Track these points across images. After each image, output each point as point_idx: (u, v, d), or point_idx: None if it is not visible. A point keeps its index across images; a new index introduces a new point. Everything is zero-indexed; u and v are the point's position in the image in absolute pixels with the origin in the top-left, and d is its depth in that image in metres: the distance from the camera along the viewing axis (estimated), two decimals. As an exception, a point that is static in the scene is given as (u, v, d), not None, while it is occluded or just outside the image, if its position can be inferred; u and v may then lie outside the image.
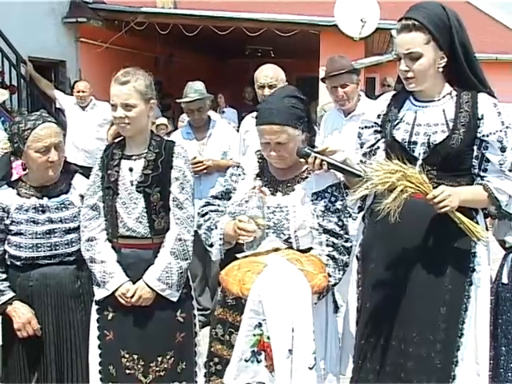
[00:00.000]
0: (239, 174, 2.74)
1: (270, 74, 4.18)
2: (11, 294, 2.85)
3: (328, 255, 2.53)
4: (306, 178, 2.63)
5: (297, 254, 2.50)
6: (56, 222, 2.89)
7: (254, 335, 2.35)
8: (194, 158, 4.51)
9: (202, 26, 10.68)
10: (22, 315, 2.82)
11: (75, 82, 8.34)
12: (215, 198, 2.78)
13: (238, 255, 2.54)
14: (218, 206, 2.74)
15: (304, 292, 2.35)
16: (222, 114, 5.89)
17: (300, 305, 2.33)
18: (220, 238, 2.62)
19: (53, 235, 2.88)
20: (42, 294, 2.88)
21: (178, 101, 5.04)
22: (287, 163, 2.63)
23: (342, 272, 2.56)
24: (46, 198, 2.93)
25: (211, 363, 2.69)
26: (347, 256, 2.58)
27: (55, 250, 2.88)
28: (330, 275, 2.51)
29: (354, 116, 4.12)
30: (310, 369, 2.30)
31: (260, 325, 2.35)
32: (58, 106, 7.97)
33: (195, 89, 4.73)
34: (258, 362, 2.36)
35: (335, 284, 2.56)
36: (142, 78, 2.83)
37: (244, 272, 2.44)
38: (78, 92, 7.42)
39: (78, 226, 2.91)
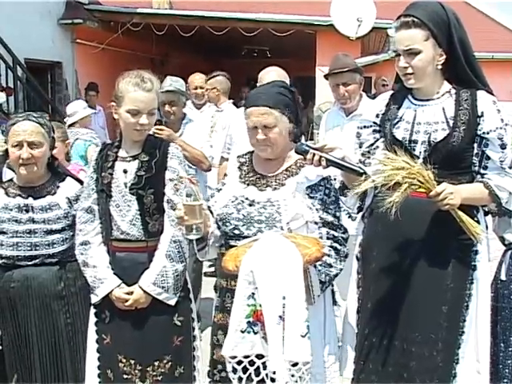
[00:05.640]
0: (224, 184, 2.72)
1: (274, 77, 4.14)
2: None
3: (330, 246, 2.53)
4: (296, 173, 2.60)
5: (294, 234, 2.47)
6: (38, 223, 2.89)
7: (248, 305, 2.32)
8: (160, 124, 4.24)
9: (197, 26, 10.69)
10: None
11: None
12: None
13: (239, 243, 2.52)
14: None
15: (295, 260, 2.32)
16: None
17: (291, 273, 2.30)
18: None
19: (33, 235, 2.88)
20: (23, 295, 2.87)
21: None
22: (274, 152, 2.59)
23: (342, 263, 2.56)
24: (31, 198, 2.93)
25: (215, 371, 2.64)
26: (346, 247, 2.59)
27: (35, 250, 2.88)
28: (331, 265, 2.51)
29: (355, 116, 4.08)
30: (303, 337, 2.27)
31: (253, 294, 2.32)
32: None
33: (171, 81, 4.50)
34: (255, 332, 2.33)
35: (336, 274, 2.55)
36: (156, 82, 2.81)
37: (239, 249, 2.45)
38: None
39: (62, 227, 2.92)
